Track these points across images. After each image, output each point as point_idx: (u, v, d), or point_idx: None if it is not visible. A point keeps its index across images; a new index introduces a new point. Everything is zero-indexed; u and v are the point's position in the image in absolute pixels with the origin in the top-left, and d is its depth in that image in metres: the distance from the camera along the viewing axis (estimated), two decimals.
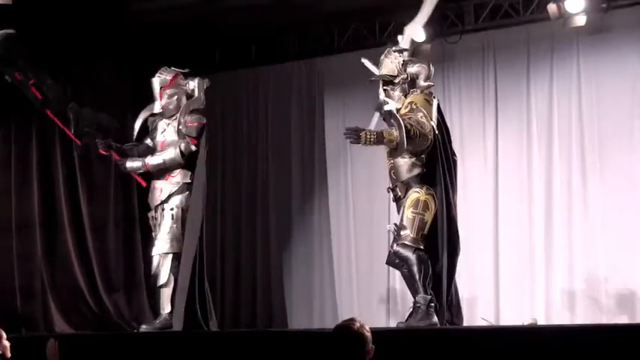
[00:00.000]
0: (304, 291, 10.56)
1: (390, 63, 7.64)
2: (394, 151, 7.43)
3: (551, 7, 8.85)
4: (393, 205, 8.02)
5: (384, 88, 7.65)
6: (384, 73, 7.66)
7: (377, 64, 7.74)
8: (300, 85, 10.83)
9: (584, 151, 9.31)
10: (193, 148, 8.53)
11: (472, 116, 9.88)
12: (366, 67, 7.80)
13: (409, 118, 7.33)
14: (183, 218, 8.48)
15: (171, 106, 8.61)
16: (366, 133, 7.28)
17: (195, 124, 8.58)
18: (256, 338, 7.83)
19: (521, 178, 9.59)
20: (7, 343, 6.00)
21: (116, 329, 9.63)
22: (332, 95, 10.59)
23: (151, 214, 8.68)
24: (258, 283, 10.72)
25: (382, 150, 10.03)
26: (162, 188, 8.57)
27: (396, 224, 7.52)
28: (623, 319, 8.74)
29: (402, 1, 9.69)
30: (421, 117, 7.39)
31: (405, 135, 7.18)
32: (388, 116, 7.39)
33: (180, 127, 8.54)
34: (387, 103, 7.55)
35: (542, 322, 8.87)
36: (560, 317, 9.14)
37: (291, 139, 10.81)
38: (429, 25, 9.20)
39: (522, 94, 9.64)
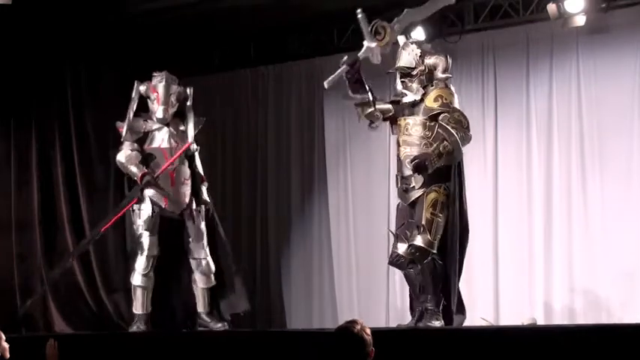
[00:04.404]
0: (304, 291, 10.56)
1: (408, 55, 7.64)
2: (450, 157, 7.45)
3: (551, 7, 8.84)
4: (393, 205, 8.01)
5: (402, 80, 7.65)
6: (401, 65, 7.65)
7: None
8: (300, 85, 10.83)
9: (584, 151, 9.30)
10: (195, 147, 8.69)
11: (471, 116, 9.76)
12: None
13: (448, 120, 7.41)
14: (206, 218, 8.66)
15: (172, 111, 8.63)
16: (430, 161, 7.38)
17: (199, 127, 8.76)
18: (256, 338, 7.84)
19: (520, 177, 9.59)
20: (6, 345, 6.00)
21: (116, 329, 9.63)
22: (332, 95, 10.58)
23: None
24: (258, 283, 10.72)
25: (381, 150, 10.04)
26: (185, 193, 8.59)
27: (406, 222, 7.54)
28: (622, 319, 8.74)
29: (401, 2, 9.71)
30: (458, 116, 7.49)
31: (457, 138, 7.29)
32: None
33: (189, 130, 8.61)
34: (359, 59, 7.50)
35: (541, 322, 8.87)
36: (560, 317, 9.14)
37: (291, 139, 10.81)
38: (428, 25, 9.22)
39: (522, 94, 9.64)
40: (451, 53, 9.51)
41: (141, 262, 8.47)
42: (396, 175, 7.80)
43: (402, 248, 7.56)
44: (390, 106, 7.74)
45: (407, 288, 7.91)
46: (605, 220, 9.11)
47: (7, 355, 5.97)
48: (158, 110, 8.57)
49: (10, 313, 9.18)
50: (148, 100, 8.65)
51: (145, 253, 8.46)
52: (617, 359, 5.87)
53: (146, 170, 8.47)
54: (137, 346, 7.92)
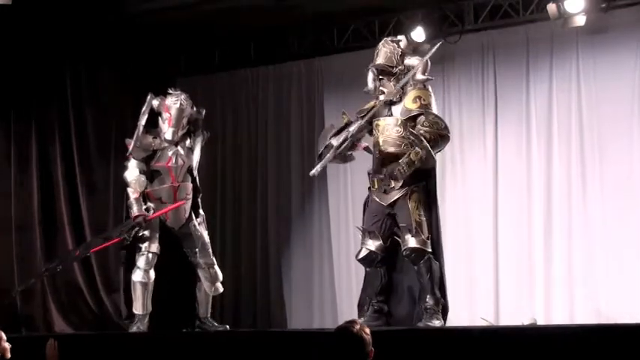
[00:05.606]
0: (304, 291, 10.57)
1: (389, 53, 7.64)
2: (423, 163, 7.44)
3: (551, 7, 8.85)
4: None
5: (380, 77, 7.65)
6: (381, 62, 7.65)
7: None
8: (299, 85, 10.82)
9: (584, 151, 9.31)
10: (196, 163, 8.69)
11: (472, 116, 9.87)
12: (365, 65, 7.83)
13: (422, 124, 7.41)
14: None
15: (181, 133, 8.55)
16: (399, 170, 7.36)
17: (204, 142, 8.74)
18: (256, 338, 7.84)
19: (520, 177, 9.59)
20: (7, 345, 6.01)
21: (116, 329, 9.63)
22: (332, 95, 10.59)
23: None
24: (258, 283, 10.72)
25: None
26: (186, 208, 8.58)
27: (402, 225, 7.55)
28: (623, 319, 8.74)
29: (401, 1, 9.72)
30: (433, 118, 7.49)
31: (428, 145, 7.29)
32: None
33: (195, 147, 8.58)
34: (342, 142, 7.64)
35: (541, 322, 8.87)
36: (560, 317, 9.14)
37: (291, 139, 10.81)
38: (428, 25, 9.22)
39: (522, 94, 9.64)
40: (451, 53, 9.59)
41: (142, 259, 8.47)
42: (371, 176, 7.80)
43: (373, 244, 7.58)
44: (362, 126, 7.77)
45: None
46: (606, 219, 9.12)
47: (8, 356, 5.98)
48: (168, 131, 8.45)
49: (10, 314, 9.20)
50: (159, 118, 8.51)
51: (145, 248, 8.46)
52: (617, 359, 5.87)
53: (143, 212, 8.40)
54: (137, 346, 7.92)
